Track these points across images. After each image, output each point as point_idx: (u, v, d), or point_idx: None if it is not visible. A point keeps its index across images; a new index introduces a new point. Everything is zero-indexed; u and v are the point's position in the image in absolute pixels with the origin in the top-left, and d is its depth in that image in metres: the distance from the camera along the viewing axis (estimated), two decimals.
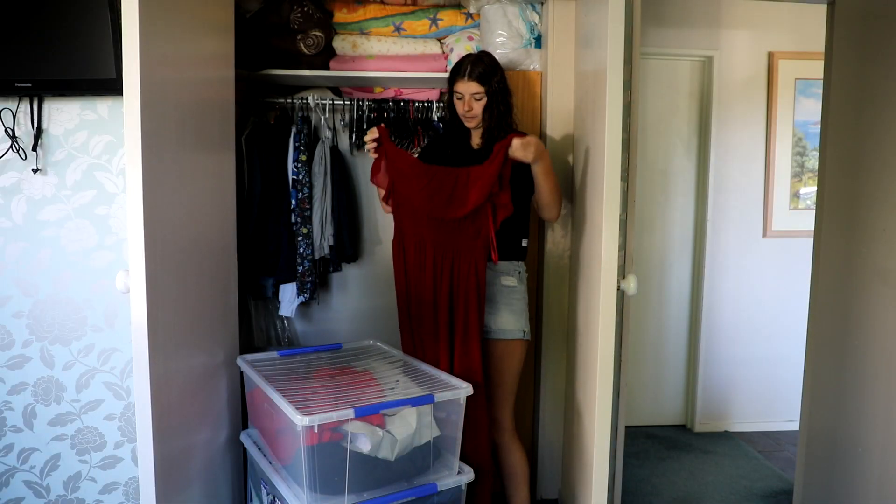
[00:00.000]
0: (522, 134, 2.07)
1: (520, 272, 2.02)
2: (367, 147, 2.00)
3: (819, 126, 2.33)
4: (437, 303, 1.97)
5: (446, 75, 2.44)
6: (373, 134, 1.98)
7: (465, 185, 1.89)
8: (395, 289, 2.08)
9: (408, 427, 1.62)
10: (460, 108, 2.02)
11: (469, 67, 1.99)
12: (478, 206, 1.87)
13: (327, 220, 2.40)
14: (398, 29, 2.49)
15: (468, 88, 1.98)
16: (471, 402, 1.78)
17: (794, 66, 3.19)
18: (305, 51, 2.36)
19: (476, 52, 2.15)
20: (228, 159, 1.99)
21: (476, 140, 2.09)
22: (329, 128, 2.50)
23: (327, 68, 2.43)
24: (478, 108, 2.00)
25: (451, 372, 1.90)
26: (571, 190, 2.27)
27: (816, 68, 2.84)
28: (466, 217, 1.90)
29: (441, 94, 2.63)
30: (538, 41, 2.45)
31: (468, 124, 2.05)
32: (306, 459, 1.50)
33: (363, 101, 2.49)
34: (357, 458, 1.56)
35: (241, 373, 1.96)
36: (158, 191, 1.47)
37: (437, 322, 1.98)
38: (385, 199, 2.08)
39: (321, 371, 1.89)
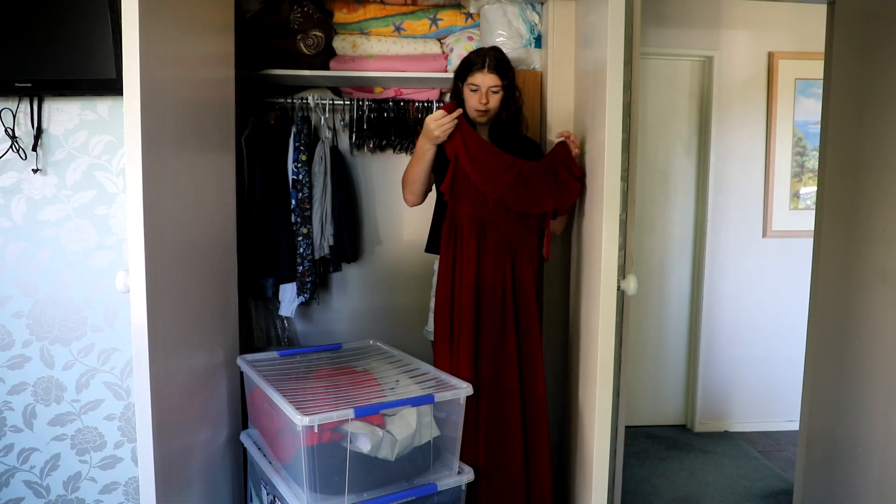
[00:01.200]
0: (531, 140, 2.08)
1: None
2: (443, 128, 1.83)
3: (819, 126, 2.33)
4: (501, 293, 1.91)
5: (446, 75, 2.45)
6: (457, 113, 1.84)
7: (546, 181, 1.87)
8: (438, 284, 1.96)
9: (408, 427, 1.62)
10: (474, 100, 1.94)
11: (488, 59, 1.92)
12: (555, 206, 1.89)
13: (327, 220, 2.40)
14: (398, 29, 2.49)
15: (487, 81, 1.92)
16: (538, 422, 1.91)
17: (794, 66, 3.19)
18: (305, 51, 2.36)
19: (487, 47, 2.05)
20: (228, 159, 1.99)
21: (484, 137, 2.04)
22: (329, 128, 2.50)
23: (327, 68, 2.44)
24: (494, 101, 1.95)
25: (521, 376, 1.92)
26: None
27: (816, 68, 2.84)
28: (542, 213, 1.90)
29: (441, 93, 2.63)
30: (538, 41, 2.45)
31: (480, 119, 1.99)
32: (306, 459, 1.50)
33: (363, 101, 2.50)
34: (357, 458, 1.56)
35: (241, 373, 1.96)
36: (158, 191, 1.47)
37: (504, 316, 1.91)
38: (446, 184, 1.89)
39: (321, 371, 1.89)
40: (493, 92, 1.94)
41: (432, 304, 2.08)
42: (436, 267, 2.09)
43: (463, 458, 1.79)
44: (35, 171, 2.01)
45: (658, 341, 3.33)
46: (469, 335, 1.88)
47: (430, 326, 2.08)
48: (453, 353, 1.91)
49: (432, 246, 2.10)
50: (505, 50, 2.37)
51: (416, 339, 2.35)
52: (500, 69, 1.93)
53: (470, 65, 1.95)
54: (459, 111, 1.85)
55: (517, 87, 2.02)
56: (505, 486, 1.91)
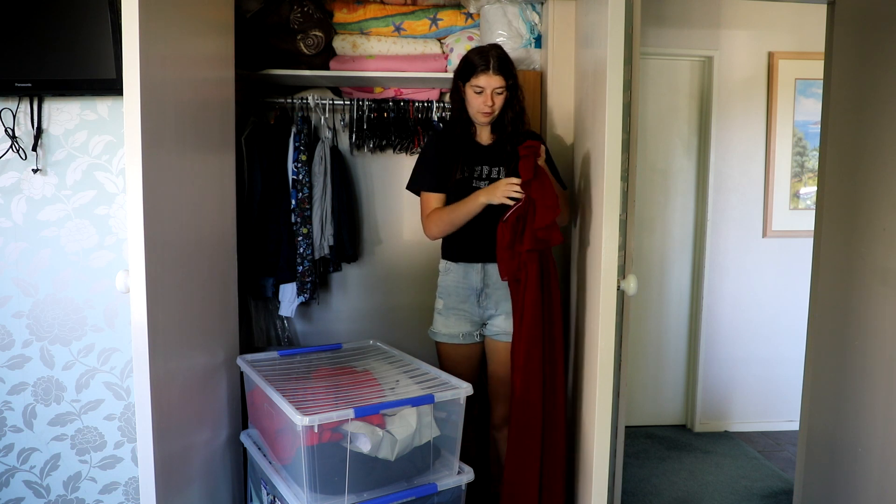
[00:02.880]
0: (534, 134, 2.05)
1: None
2: (511, 194, 1.80)
3: (819, 126, 2.33)
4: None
5: (446, 75, 2.45)
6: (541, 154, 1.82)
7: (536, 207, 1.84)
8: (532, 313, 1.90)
9: (408, 427, 1.62)
10: (478, 102, 1.92)
11: (493, 60, 1.88)
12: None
13: (327, 219, 2.40)
14: (398, 29, 2.49)
15: (492, 83, 1.89)
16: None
17: (794, 66, 3.19)
18: (305, 51, 2.36)
19: (488, 45, 2.00)
20: (228, 159, 1.99)
21: (485, 136, 2.04)
22: (329, 128, 2.50)
23: (327, 68, 2.44)
24: (499, 102, 1.93)
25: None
26: (572, 190, 2.27)
27: (816, 68, 2.84)
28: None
29: (441, 93, 2.63)
30: (538, 41, 2.45)
31: (483, 120, 1.97)
32: (306, 459, 1.50)
33: (363, 101, 2.49)
34: (357, 458, 1.56)
35: (241, 373, 1.96)
36: (158, 191, 1.47)
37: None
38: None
39: (321, 371, 1.89)
40: (498, 93, 1.92)
41: (437, 305, 2.08)
42: (440, 268, 2.10)
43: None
44: (35, 171, 2.01)
45: (658, 341, 3.33)
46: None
47: (436, 327, 2.07)
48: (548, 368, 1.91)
49: (448, 253, 2.08)
50: (505, 50, 2.38)
51: (417, 339, 2.35)
52: (504, 69, 1.91)
53: (473, 66, 1.91)
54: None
55: (520, 85, 2.00)
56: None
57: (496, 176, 1.99)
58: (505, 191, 1.80)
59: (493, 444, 2.15)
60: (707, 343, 3.29)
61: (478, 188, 1.97)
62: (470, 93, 1.94)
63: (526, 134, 2.01)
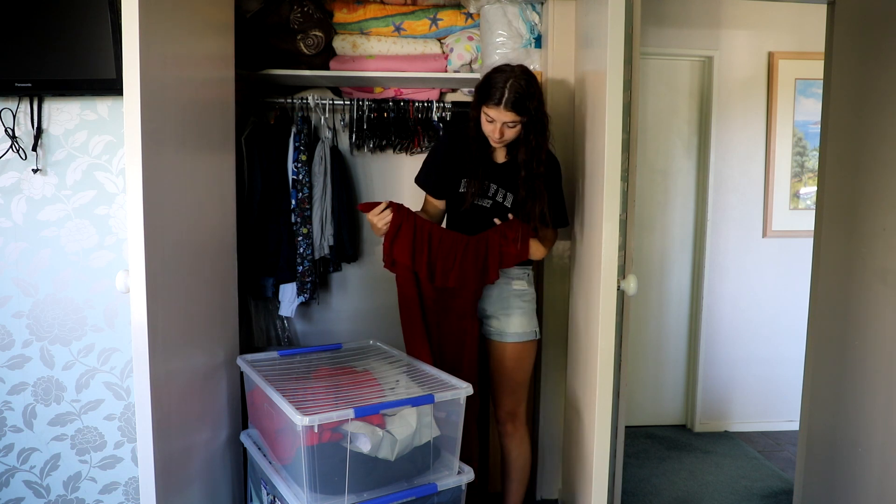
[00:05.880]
0: (549, 157, 1.98)
1: (528, 274, 2.03)
2: (384, 221, 1.86)
3: (819, 126, 2.33)
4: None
5: (446, 75, 2.45)
6: (385, 217, 1.86)
7: (484, 256, 1.92)
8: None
9: (408, 427, 1.62)
10: (489, 129, 1.85)
11: (506, 94, 1.75)
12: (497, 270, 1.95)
13: (327, 219, 2.40)
14: (398, 29, 2.49)
15: (502, 117, 1.79)
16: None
17: (794, 66, 3.19)
18: (305, 51, 2.36)
19: (511, 66, 1.83)
20: (228, 159, 1.99)
21: (500, 155, 1.99)
22: (329, 128, 2.51)
23: (327, 68, 2.44)
24: (510, 134, 1.84)
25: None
26: (572, 190, 2.27)
27: (816, 68, 2.84)
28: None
29: (441, 93, 2.63)
30: (538, 41, 2.45)
31: (495, 145, 1.92)
32: (306, 459, 1.50)
33: (363, 101, 2.49)
34: (357, 458, 1.56)
35: (241, 373, 1.96)
36: (158, 191, 1.47)
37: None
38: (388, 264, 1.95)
39: (321, 371, 1.89)
40: (510, 127, 1.82)
41: None
42: None
43: None
44: (35, 171, 2.01)
45: (658, 341, 3.33)
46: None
47: None
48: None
49: None
50: (505, 50, 2.37)
51: None
52: (519, 106, 1.77)
53: (487, 94, 1.79)
54: (388, 211, 1.87)
55: (545, 113, 1.85)
56: None
57: (500, 199, 1.96)
58: (378, 227, 1.88)
59: (499, 438, 2.16)
60: (707, 343, 3.29)
61: (481, 206, 1.97)
62: (483, 117, 1.85)
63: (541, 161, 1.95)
